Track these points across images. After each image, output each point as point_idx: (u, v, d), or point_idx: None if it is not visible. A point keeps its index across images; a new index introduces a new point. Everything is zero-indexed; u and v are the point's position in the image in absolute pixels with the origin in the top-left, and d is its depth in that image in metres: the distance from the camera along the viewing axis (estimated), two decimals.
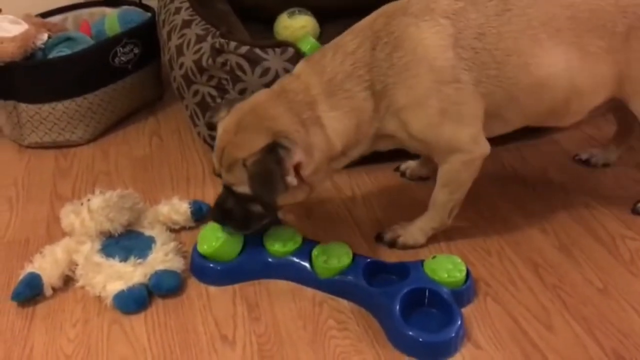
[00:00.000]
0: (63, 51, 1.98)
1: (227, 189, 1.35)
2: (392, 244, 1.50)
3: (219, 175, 1.35)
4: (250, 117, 1.29)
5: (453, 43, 1.29)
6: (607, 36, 1.36)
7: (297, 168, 1.26)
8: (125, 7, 2.26)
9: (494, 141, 1.85)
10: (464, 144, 1.36)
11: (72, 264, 1.43)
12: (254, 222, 1.38)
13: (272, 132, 1.25)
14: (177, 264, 1.41)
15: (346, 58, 1.31)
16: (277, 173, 1.23)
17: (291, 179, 1.25)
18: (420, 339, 1.22)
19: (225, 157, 1.30)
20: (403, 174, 1.77)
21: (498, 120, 1.39)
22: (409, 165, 1.76)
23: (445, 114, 1.31)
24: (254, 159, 1.24)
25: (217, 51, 1.68)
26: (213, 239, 1.39)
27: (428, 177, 1.71)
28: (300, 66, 1.37)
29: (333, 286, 1.37)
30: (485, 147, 1.38)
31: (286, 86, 1.32)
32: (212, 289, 1.40)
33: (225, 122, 1.33)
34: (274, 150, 1.23)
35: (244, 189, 1.30)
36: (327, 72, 1.31)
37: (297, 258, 1.40)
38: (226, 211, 1.37)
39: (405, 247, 1.50)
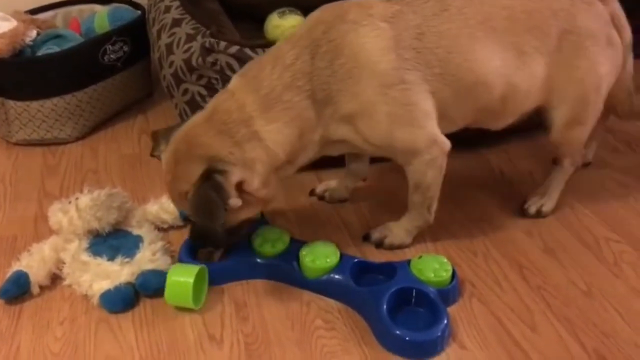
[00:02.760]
0: (52, 48, 1.97)
1: (189, 219, 1.37)
2: (379, 244, 1.52)
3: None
4: (183, 147, 1.28)
5: (394, 45, 1.30)
6: (542, 37, 1.39)
7: (241, 186, 1.27)
8: (115, 5, 2.26)
9: (480, 143, 1.89)
10: (421, 145, 1.36)
11: (60, 262, 1.43)
12: (228, 239, 1.36)
13: (204, 159, 1.25)
14: (164, 263, 1.41)
15: (285, 71, 1.29)
16: (216, 200, 1.23)
17: (234, 201, 1.26)
18: (407, 338, 1.23)
19: (172, 192, 1.31)
20: (322, 197, 1.70)
21: (444, 121, 1.39)
22: (328, 186, 1.71)
23: (395, 117, 1.32)
24: (192, 190, 1.24)
25: (207, 50, 1.68)
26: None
27: (346, 200, 1.69)
28: (235, 82, 1.35)
29: (320, 286, 1.37)
30: (444, 144, 1.38)
31: (219, 106, 1.30)
32: None
33: (165, 156, 1.33)
34: (210, 177, 1.23)
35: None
36: (264, 86, 1.29)
37: (285, 258, 1.41)
38: (201, 235, 1.37)
39: (392, 247, 1.51)
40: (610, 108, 1.61)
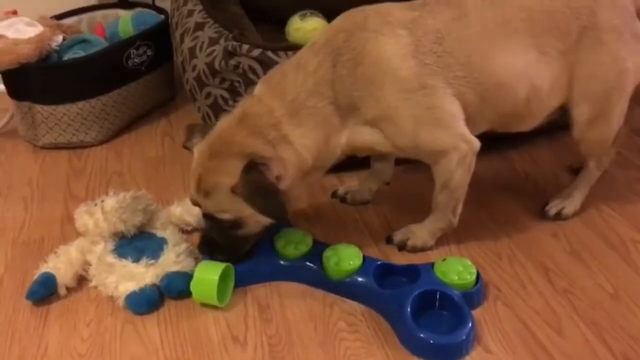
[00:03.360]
0: (77, 53, 2.00)
1: (209, 218, 1.36)
2: (402, 247, 1.51)
3: (197, 204, 1.36)
4: (219, 145, 1.30)
5: (413, 51, 1.31)
6: (562, 37, 1.39)
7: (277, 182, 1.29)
8: (138, 10, 2.29)
9: (505, 144, 1.87)
10: (448, 145, 1.36)
11: (86, 264, 1.45)
12: (241, 247, 1.39)
13: (243, 155, 1.27)
14: (188, 265, 1.42)
15: (307, 78, 1.31)
16: (269, 184, 1.26)
17: (280, 188, 1.28)
18: (431, 341, 1.22)
19: (203, 184, 1.31)
20: (344, 199, 1.70)
21: (469, 124, 1.38)
22: (350, 188, 1.71)
23: (419, 120, 1.32)
24: (241, 182, 1.25)
25: (229, 54, 1.69)
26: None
27: (369, 202, 1.69)
28: (260, 88, 1.36)
29: (344, 288, 1.37)
30: (473, 143, 1.38)
31: (248, 110, 1.32)
32: None
33: (198, 148, 1.34)
34: (254, 168, 1.25)
35: (224, 216, 1.31)
36: (289, 92, 1.31)
37: (308, 260, 1.41)
38: (212, 242, 1.38)
39: (415, 249, 1.51)
40: None
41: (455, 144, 1.36)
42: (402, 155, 1.47)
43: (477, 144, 1.38)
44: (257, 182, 1.25)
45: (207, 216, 1.37)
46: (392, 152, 1.44)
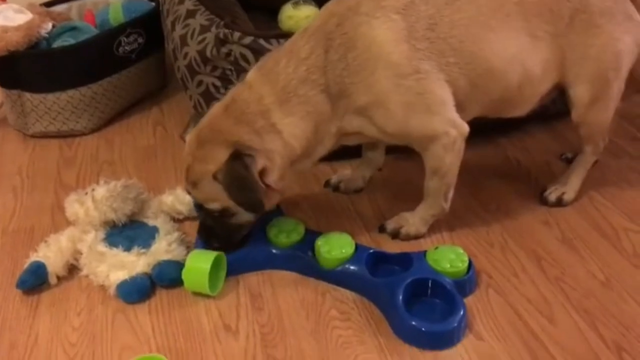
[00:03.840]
0: (67, 41, 1.98)
1: (199, 208, 1.36)
2: (395, 235, 1.51)
3: (190, 193, 1.36)
4: (207, 132, 1.30)
5: (406, 36, 1.30)
6: (553, 20, 1.39)
7: (261, 175, 1.28)
8: None
9: (496, 132, 1.87)
10: (438, 131, 1.36)
11: (77, 253, 1.44)
12: (234, 235, 1.39)
13: (230, 143, 1.26)
14: (180, 254, 1.42)
15: (300, 64, 1.30)
16: (249, 176, 1.25)
17: (260, 185, 1.28)
18: (423, 329, 1.22)
19: (191, 174, 1.31)
20: (336, 188, 1.69)
21: (461, 109, 1.38)
22: (343, 177, 1.70)
23: (410, 106, 1.32)
24: (223, 170, 1.25)
25: (221, 41, 1.68)
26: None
27: (362, 189, 1.68)
28: (252, 74, 1.36)
29: (336, 276, 1.37)
30: (462, 128, 1.38)
31: (237, 97, 1.32)
32: None
33: (189, 137, 1.34)
34: (239, 158, 1.25)
35: (213, 205, 1.32)
36: (280, 79, 1.30)
37: (300, 249, 1.41)
38: (209, 229, 1.38)
39: (408, 237, 1.50)
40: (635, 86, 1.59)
41: (445, 129, 1.36)
42: (392, 142, 1.47)
43: (466, 128, 1.38)
44: (237, 173, 1.25)
45: (197, 206, 1.37)
46: (381, 139, 1.43)
